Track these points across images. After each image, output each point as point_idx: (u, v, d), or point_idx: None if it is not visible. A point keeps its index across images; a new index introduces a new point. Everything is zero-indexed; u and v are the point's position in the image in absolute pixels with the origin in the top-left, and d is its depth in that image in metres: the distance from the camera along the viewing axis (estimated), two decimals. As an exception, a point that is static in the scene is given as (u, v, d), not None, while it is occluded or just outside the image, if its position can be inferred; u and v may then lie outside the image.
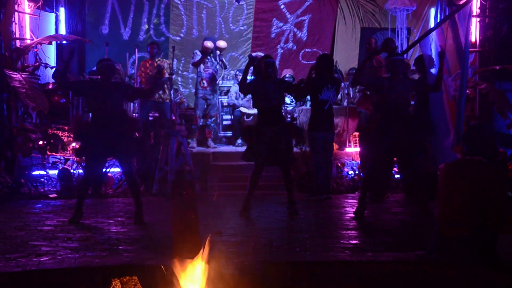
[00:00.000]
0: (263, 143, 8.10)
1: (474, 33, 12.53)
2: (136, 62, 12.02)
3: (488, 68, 12.17)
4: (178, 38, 13.92)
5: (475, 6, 12.45)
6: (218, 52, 11.99)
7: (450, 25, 9.41)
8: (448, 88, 9.31)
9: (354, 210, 8.20)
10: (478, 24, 12.58)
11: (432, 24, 13.18)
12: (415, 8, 13.25)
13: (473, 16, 12.37)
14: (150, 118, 11.82)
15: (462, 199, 5.45)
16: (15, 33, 11.09)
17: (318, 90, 9.19)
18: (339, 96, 11.80)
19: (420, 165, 8.16)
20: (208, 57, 11.79)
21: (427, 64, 9.10)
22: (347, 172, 10.61)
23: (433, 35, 9.43)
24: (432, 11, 13.30)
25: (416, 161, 7.99)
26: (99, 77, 7.95)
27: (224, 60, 12.21)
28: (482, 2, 12.42)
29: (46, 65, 11.74)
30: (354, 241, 6.71)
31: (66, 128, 11.37)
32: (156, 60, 11.94)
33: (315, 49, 14.34)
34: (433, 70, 9.18)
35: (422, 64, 9.56)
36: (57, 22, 13.06)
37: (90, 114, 8.19)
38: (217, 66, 12.06)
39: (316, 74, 9.26)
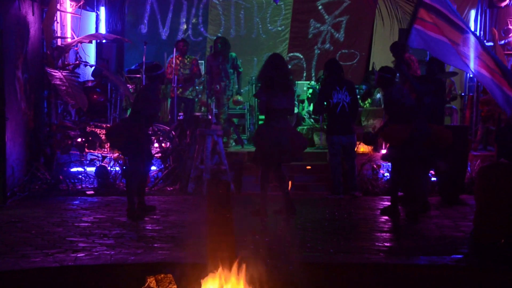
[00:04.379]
0: (268, 143, 7.95)
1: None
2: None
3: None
4: (215, 38, 13.94)
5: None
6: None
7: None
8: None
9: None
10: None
11: (472, 26, 12.97)
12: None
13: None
14: (180, 117, 11.82)
15: (498, 204, 5.38)
16: (56, 32, 11.24)
17: (329, 96, 9.25)
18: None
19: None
20: (221, 66, 11.66)
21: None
22: (383, 174, 10.51)
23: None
24: (472, 13, 13.09)
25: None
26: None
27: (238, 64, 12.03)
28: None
29: (86, 64, 11.89)
30: (388, 244, 6.66)
31: (104, 126, 11.50)
32: (186, 57, 12.05)
33: (352, 50, 14.26)
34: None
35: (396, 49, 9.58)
36: (98, 21, 13.20)
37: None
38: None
39: (324, 80, 9.36)
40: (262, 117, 12.99)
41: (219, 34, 13.65)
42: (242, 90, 12.59)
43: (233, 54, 11.80)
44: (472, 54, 8.40)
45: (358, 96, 11.42)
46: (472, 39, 8.37)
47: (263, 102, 7.95)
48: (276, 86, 7.81)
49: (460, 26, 8.60)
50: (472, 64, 8.39)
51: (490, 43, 12.30)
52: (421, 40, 8.57)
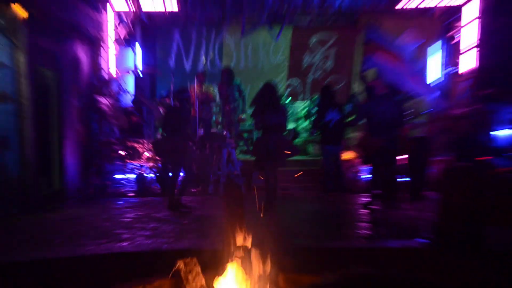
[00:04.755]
0: (258, 148, 8.09)
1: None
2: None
3: (481, 91, 11.96)
4: (222, 69, 14.02)
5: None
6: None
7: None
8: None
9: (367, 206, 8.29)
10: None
11: (440, 53, 12.94)
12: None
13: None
14: (202, 133, 11.91)
15: (458, 199, 5.47)
16: (102, 66, 11.42)
17: (323, 116, 9.41)
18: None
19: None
20: (228, 92, 11.53)
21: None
22: (363, 176, 10.61)
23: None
24: (439, 43, 13.09)
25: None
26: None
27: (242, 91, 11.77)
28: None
29: (126, 92, 12.04)
30: (368, 231, 6.75)
31: (141, 141, 11.64)
32: (204, 85, 12.12)
33: (339, 76, 14.36)
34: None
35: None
36: (134, 56, 13.36)
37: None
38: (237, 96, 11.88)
39: (319, 102, 9.58)
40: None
41: (231, 66, 13.81)
42: (249, 111, 12.65)
43: (238, 81, 11.79)
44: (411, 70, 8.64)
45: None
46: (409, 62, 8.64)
47: (257, 121, 8.19)
48: (270, 107, 8.04)
49: (400, 51, 8.79)
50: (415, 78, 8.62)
51: (454, 69, 12.36)
52: (370, 62, 8.79)
